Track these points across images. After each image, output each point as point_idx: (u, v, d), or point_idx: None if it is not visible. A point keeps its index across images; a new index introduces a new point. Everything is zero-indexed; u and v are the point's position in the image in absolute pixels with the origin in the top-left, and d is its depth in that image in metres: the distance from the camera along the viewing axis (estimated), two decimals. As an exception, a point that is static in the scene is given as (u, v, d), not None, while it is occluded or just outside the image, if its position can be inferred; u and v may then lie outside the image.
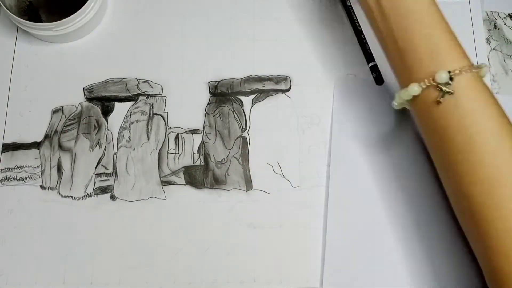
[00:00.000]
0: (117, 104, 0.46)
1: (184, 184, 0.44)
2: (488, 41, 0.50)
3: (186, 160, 0.44)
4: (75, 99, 0.45)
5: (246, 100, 0.46)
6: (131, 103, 0.46)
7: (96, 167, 0.44)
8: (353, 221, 0.43)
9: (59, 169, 0.44)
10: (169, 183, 0.44)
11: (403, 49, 0.36)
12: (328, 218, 0.43)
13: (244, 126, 0.45)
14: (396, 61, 0.38)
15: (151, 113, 0.45)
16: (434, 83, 0.35)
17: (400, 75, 0.38)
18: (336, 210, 0.43)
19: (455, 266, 0.41)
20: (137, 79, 0.46)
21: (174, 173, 0.44)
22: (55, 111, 0.45)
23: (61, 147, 0.44)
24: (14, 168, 0.43)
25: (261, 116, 0.46)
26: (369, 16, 0.39)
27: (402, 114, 0.46)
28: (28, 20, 0.43)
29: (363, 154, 0.44)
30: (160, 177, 0.44)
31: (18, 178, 0.43)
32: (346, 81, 0.47)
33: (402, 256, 0.42)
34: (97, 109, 0.45)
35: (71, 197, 0.43)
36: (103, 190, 0.43)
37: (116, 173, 0.44)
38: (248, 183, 0.44)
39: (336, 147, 0.45)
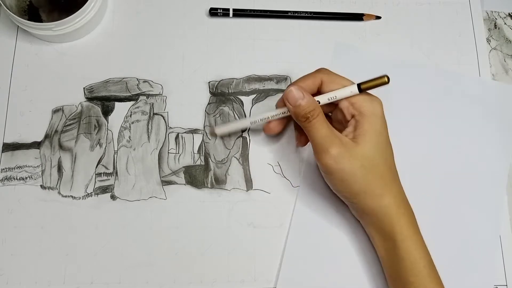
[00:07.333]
0: (117, 104, 0.46)
1: (185, 184, 0.44)
2: (488, 40, 0.50)
3: (187, 160, 0.44)
4: (76, 98, 0.45)
5: (246, 100, 0.46)
6: (132, 103, 0.46)
7: (96, 167, 0.44)
8: (317, 223, 0.43)
9: (60, 169, 0.43)
10: (169, 183, 0.44)
11: None
12: (293, 217, 0.43)
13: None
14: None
15: (152, 113, 0.45)
16: None
17: None
18: (303, 209, 0.43)
19: None
20: (137, 79, 0.46)
21: (175, 173, 0.44)
22: (55, 111, 0.45)
23: (61, 147, 0.44)
24: (14, 168, 0.43)
25: (261, 116, 0.46)
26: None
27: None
28: (28, 19, 0.43)
29: None
30: (160, 177, 0.44)
31: (18, 178, 0.43)
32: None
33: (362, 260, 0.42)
34: (97, 109, 0.45)
35: (72, 196, 0.43)
36: (104, 189, 0.43)
37: (116, 173, 0.44)
38: (248, 183, 0.44)
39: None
